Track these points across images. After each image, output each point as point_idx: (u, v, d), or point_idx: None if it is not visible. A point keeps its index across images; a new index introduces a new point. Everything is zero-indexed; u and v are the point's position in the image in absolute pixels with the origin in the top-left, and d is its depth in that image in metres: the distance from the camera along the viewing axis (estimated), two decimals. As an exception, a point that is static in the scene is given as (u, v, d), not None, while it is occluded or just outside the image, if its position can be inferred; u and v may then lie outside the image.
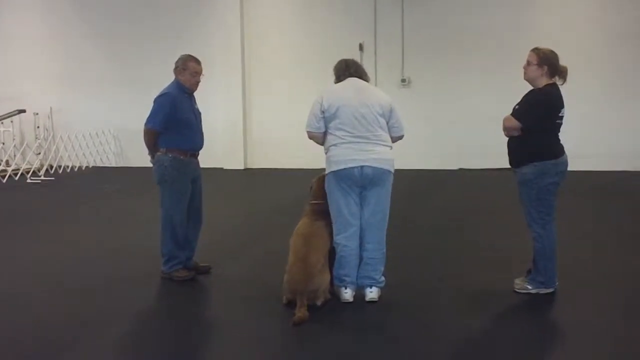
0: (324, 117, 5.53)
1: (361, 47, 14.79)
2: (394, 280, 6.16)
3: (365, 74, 5.72)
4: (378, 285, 5.56)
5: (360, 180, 5.45)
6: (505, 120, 5.52)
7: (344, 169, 5.39)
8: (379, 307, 5.49)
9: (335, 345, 4.71)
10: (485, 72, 13.99)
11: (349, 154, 5.40)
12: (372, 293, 5.52)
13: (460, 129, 14.29)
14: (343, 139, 5.43)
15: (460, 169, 14.20)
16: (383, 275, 5.60)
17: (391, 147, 5.62)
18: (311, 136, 5.72)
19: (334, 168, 5.44)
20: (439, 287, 6.00)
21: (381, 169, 5.48)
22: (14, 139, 15.40)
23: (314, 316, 5.24)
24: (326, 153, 5.59)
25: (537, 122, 5.39)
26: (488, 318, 5.23)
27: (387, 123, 5.56)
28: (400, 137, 5.75)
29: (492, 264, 6.69)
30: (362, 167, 5.39)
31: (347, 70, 5.66)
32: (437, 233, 8.29)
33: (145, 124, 6.16)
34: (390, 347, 4.65)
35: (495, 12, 14.13)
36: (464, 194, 11.53)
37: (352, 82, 5.59)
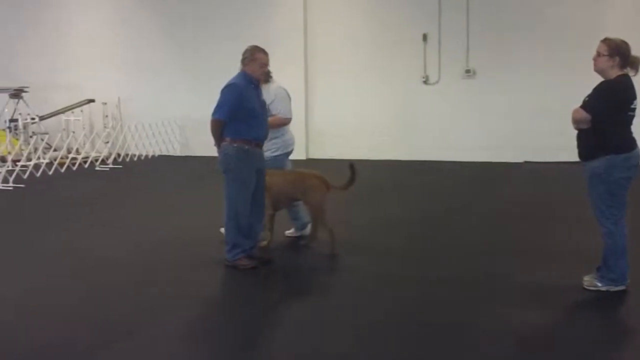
0: None
1: (425, 38, 14.64)
2: (459, 273, 6.12)
3: None
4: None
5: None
6: (574, 112, 5.38)
7: (293, 148, 7.43)
8: (443, 299, 5.47)
9: (392, 336, 4.71)
10: (553, 62, 13.62)
11: (292, 138, 7.43)
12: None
13: (526, 121, 13.98)
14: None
15: (526, 162, 13.92)
16: None
17: None
18: (289, 122, 7.31)
19: (289, 149, 7.42)
20: (505, 282, 5.92)
21: None
22: (83, 128, 15.76)
23: (369, 309, 5.27)
24: (278, 138, 7.13)
25: (607, 114, 5.25)
26: (555, 314, 5.15)
27: None
28: None
29: (560, 260, 6.55)
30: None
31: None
32: (502, 227, 8.16)
33: (212, 114, 6.25)
34: (447, 344, 4.62)
35: (563, 1, 13.77)
36: (530, 188, 11.29)
37: None
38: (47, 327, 4.98)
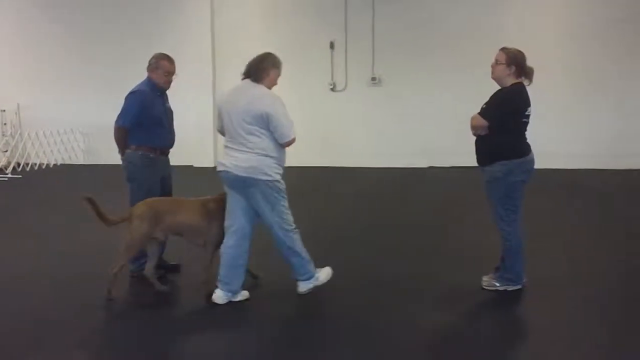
0: (219, 116, 5.58)
1: (332, 46, 14.84)
2: (364, 278, 6.23)
3: (262, 73, 5.48)
4: (299, 278, 5.64)
5: (228, 184, 5.50)
6: (472, 119, 5.59)
7: (218, 171, 5.52)
8: (348, 304, 5.55)
9: (306, 345, 4.75)
10: (455, 70, 14.08)
11: (222, 159, 5.51)
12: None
13: (430, 127, 14.40)
14: (225, 142, 5.54)
15: (430, 167, 14.31)
16: (303, 268, 5.60)
17: (265, 154, 5.34)
18: None
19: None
20: (408, 285, 6.06)
21: (239, 175, 5.35)
22: (-20, 136, 15.21)
23: (281, 311, 5.30)
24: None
25: (503, 121, 5.47)
26: (456, 315, 5.30)
27: (269, 129, 5.32)
28: (287, 143, 5.40)
29: (460, 262, 6.77)
30: (226, 171, 5.41)
31: (245, 72, 5.55)
32: (406, 231, 8.36)
33: (116, 122, 6.14)
34: (360, 344, 4.70)
35: (466, 11, 14.24)
36: (433, 192, 11.63)
37: (241, 84, 5.50)
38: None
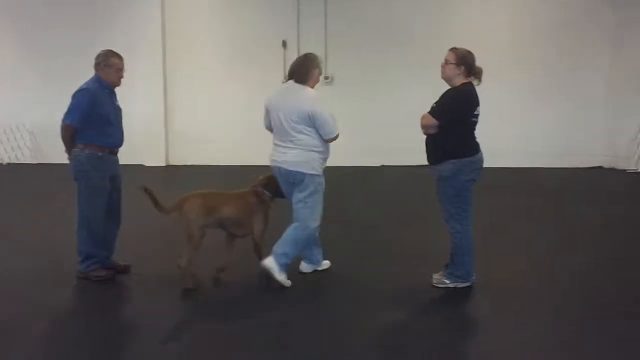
0: (267, 115, 6.14)
1: (284, 45, 14.80)
2: (313, 276, 6.25)
3: (305, 74, 5.97)
4: (273, 255, 5.84)
5: (280, 179, 6.05)
6: (422, 118, 5.64)
7: (272, 167, 6.06)
8: (297, 300, 5.56)
9: (251, 339, 4.73)
10: (407, 69, 14.19)
11: (272, 155, 6.04)
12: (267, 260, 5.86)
13: (382, 126, 14.46)
14: (274, 139, 6.06)
15: (383, 166, 14.39)
16: (284, 256, 5.84)
17: (312, 150, 5.89)
18: None
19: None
20: (358, 282, 6.10)
21: (290, 170, 5.91)
22: None
23: (224, 308, 5.28)
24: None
25: (453, 120, 5.53)
26: (406, 312, 5.35)
27: (315, 127, 5.84)
28: (331, 139, 5.96)
29: (411, 259, 6.83)
30: (278, 167, 5.97)
31: (289, 74, 6.05)
32: (358, 229, 8.40)
33: (63, 120, 6.02)
34: (307, 340, 4.70)
35: (418, 10, 14.35)
36: (385, 191, 11.71)
37: (286, 85, 6.05)
38: None
